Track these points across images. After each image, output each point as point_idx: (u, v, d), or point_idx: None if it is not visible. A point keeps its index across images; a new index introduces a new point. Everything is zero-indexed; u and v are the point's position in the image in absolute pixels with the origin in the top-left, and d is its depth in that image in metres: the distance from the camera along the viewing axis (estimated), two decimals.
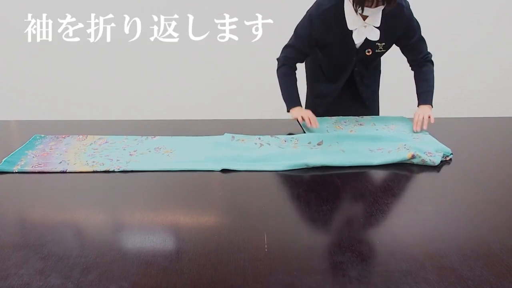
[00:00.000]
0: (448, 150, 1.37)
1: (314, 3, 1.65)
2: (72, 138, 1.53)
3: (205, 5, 2.68)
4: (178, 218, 1.05)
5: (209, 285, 0.79)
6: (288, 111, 1.70)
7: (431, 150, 1.35)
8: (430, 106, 1.65)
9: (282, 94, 1.71)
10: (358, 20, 1.56)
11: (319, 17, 1.59)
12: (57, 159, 1.35)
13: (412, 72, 1.74)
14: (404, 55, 1.73)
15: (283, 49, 1.72)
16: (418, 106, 1.67)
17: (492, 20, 2.86)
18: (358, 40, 1.61)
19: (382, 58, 1.82)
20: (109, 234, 0.98)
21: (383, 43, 1.65)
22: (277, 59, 1.73)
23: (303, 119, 1.60)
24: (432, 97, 1.67)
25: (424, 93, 1.67)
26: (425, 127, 1.57)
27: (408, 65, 1.75)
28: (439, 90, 1.69)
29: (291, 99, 1.69)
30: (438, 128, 1.59)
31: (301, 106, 1.70)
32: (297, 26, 1.67)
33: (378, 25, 1.57)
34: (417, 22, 1.64)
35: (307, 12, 1.64)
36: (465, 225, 1.02)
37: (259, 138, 1.50)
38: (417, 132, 1.56)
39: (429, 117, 1.58)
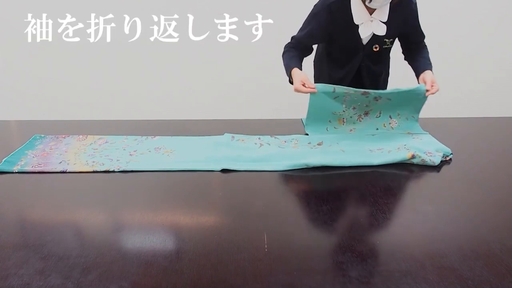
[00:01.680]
0: (448, 150, 1.37)
1: None
2: (72, 138, 1.53)
3: (205, 5, 2.68)
4: (178, 218, 1.05)
5: (209, 285, 0.79)
6: (290, 81, 1.61)
7: (431, 150, 1.35)
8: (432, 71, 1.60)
9: (285, 70, 1.65)
10: (365, 14, 1.54)
11: (325, 11, 1.58)
12: (57, 159, 1.35)
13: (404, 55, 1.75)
14: (401, 45, 1.73)
15: (291, 38, 1.71)
16: (422, 71, 1.58)
17: (492, 20, 2.86)
18: (364, 34, 1.59)
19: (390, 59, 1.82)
20: (109, 234, 0.98)
21: (391, 39, 1.64)
22: (284, 46, 1.72)
23: (304, 85, 1.49)
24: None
25: (428, 64, 1.62)
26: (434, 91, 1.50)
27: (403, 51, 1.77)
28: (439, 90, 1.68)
29: (289, 65, 1.61)
30: (438, 128, 1.59)
31: (299, 68, 1.59)
32: (305, 19, 1.67)
33: (385, 19, 1.56)
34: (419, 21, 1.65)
35: (313, 6, 1.64)
36: (465, 225, 1.02)
37: (259, 138, 1.50)
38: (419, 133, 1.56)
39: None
